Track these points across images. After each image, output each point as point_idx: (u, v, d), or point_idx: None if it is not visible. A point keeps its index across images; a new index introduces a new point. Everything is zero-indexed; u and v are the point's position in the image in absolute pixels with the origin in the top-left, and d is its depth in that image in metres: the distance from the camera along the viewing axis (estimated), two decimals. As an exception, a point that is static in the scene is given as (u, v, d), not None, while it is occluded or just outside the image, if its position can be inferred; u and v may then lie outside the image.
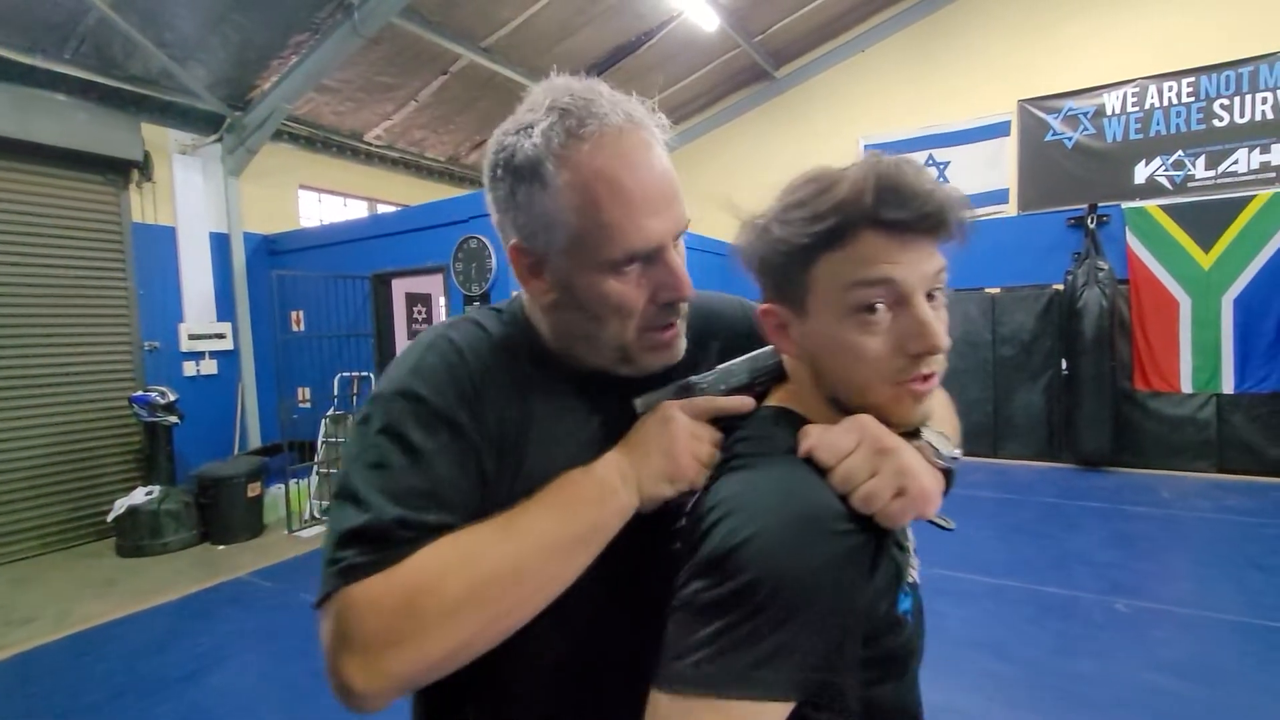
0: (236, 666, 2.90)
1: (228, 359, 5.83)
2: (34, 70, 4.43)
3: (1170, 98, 5.81)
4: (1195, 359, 5.65)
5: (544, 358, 0.69)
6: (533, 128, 0.61)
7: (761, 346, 0.70)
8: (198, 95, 5.16)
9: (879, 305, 0.56)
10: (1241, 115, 5.57)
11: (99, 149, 4.80)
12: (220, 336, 5.75)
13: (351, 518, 0.56)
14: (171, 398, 4.82)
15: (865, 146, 7.24)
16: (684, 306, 0.68)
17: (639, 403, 0.69)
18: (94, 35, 4.41)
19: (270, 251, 6.08)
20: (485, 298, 4.69)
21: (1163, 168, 5.88)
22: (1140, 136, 5.95)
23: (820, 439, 0.58)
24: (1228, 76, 5.60)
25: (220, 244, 5.79)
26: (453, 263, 4.80)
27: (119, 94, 4.89)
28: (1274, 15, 5.46)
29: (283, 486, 4.99)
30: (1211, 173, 5.70)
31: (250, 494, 4.84)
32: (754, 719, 0.50)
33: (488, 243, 4.62)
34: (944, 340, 0.57)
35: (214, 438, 5.62)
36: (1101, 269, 5.79)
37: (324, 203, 6.93)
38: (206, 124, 5.54)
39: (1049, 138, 6.32)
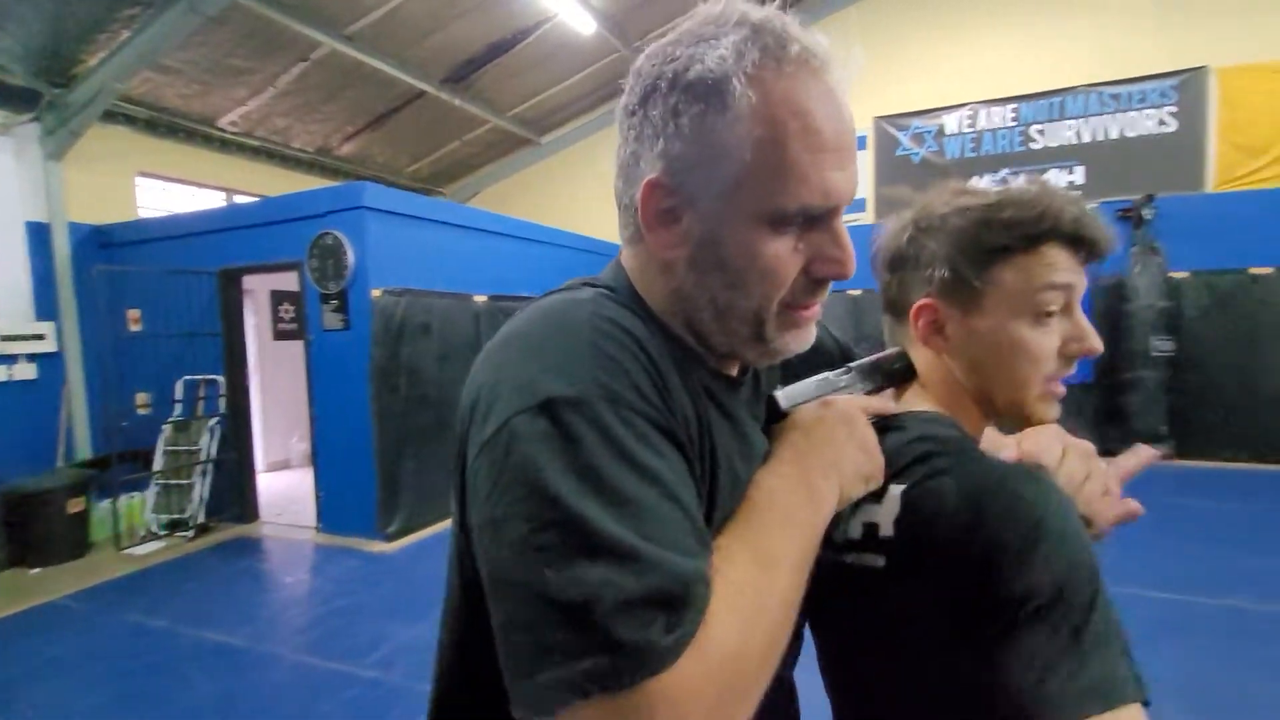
0: (22, 704, 2.62)
1: (50, 362, 5.23)
2: None
3: (997, 121, 6.50)
4: (1019, 355, 6.35)
5: (684, 353, 0.57)
6: (718, 39, 0.50)
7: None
8: (6, 69, 4.61)
9: (1055, 306, 0.63)
10: (1052, 140, 6.31)
11: (-126, 122, 4.18)
12: (39, 338, 5.15)
13: (619, 578, 0.40)
14: (-29, 406, 4.28)
15: (740, 154, 7.59)
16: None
17: (781, 397, 0.62)
18: None
19: (102, 244, 5.51)
20: (342, 296, 4.49)
21: (992, 183, 6.55)
22: (974, 154, 6.61)
23: (1032, 445, 0.61)
24: (1042, 105, 6.34)
25: (39, 234, 5.18)
26: (308, 259, 4.57)
27: (-99, 61, 4.30)
28: (1076, 54, 6.24)
29: (111, 499, 4.57)
30: (1031, 189, 6.43)
31: (71, 510, 4.38)
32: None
33: (344, 239, 4.43)
34: (1100, 345, 0.64)
35: (32, 450, 5.03)
36: (942, 273, 6.38)
37: (171, 192, 6.38)
38: (21, 101, 4.95)
39: (899, 152, 6.90)
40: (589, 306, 0.53)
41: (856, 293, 6.85)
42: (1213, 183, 6.05)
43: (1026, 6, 6.53)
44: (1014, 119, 6.44)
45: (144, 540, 4.63)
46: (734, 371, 0.62)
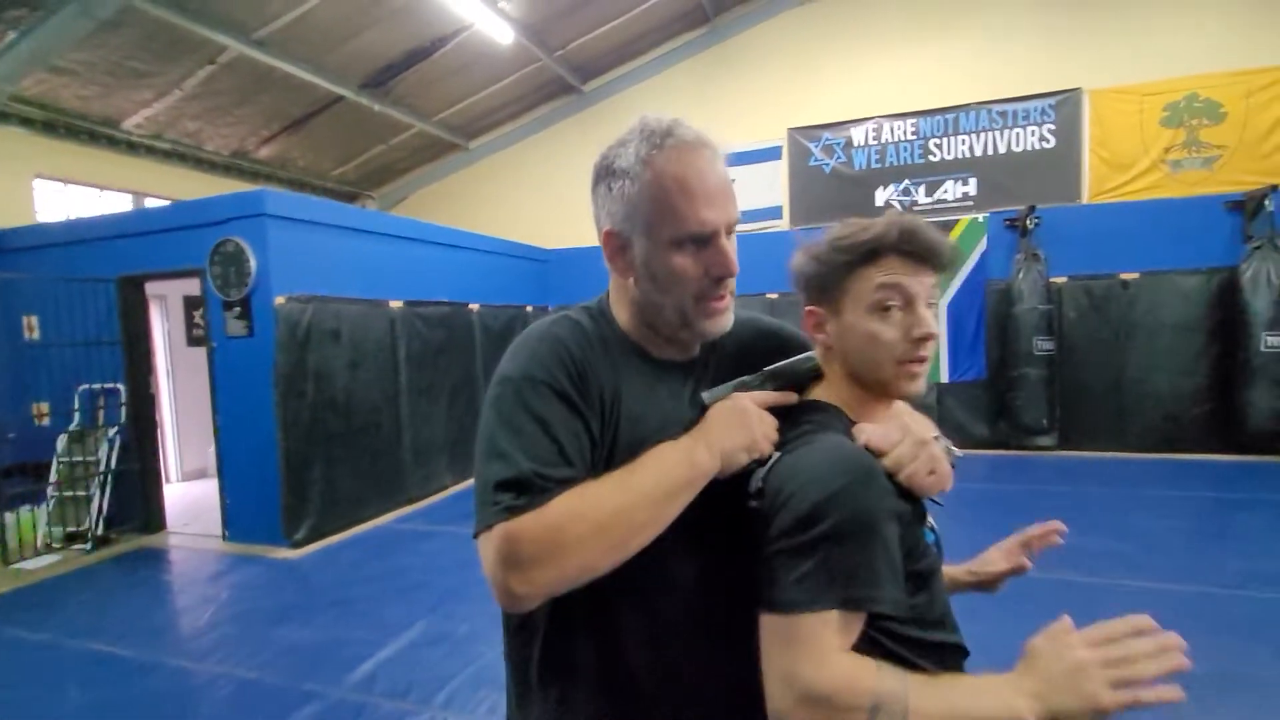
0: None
1: (-64, 372, 5.03)
2: None
3: (900, 134, 6.88)
4: (921, 355, 6.74)
5: (627, 347, 0.88)
6: (628, 144, 0.82)
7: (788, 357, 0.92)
8: (-120, 66, 4.43)
9: (893, 304, 0.79)
10: (949, 153, 6.73)
11: None
12: (-76, 346, 4.95)
13: (500, 471, 0.74)
14: None
15: (663, 162, 7.80)
16: (731, 283, 0.85)
17: (705, 396, 0.86)
18: None
19: (-4, 249, 5.32)
20: (245, 303, 4.48)
21: (895, 193, 6.95)
22: (879, 165, 6.98)
23: (873, 433, 0.79)
24: (939, 120, 6.75)
25: (-77, 240, 4.99)
26: (209, 266, 4.54)
27: None
28: (967, 73, 6.67)
29: (10, 512, 4.45)
30: (930, 199, 6.83)
31: (-44, 526, 4.24)
32: (849, 624, 0.70)
33: (246, 246, 4.42)
34: (936, 330, 0.80)
35: (-83, 464, 4.82)
36: (849, 278, 6.72)
37: (73, 195, 6.19)
38: (-101, 100, 4.77)
39: (812, 163, 7.22)
40: (547, 324, 0.87)
41: (773, 296, 7.14)
42: (1087, 195, 6.55)
43: (926, 28, 6.94)
44: (914, 133, 6.83)
45: (37, 554, 4.51)
46: (682, 357, 0.91)
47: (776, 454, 0.80)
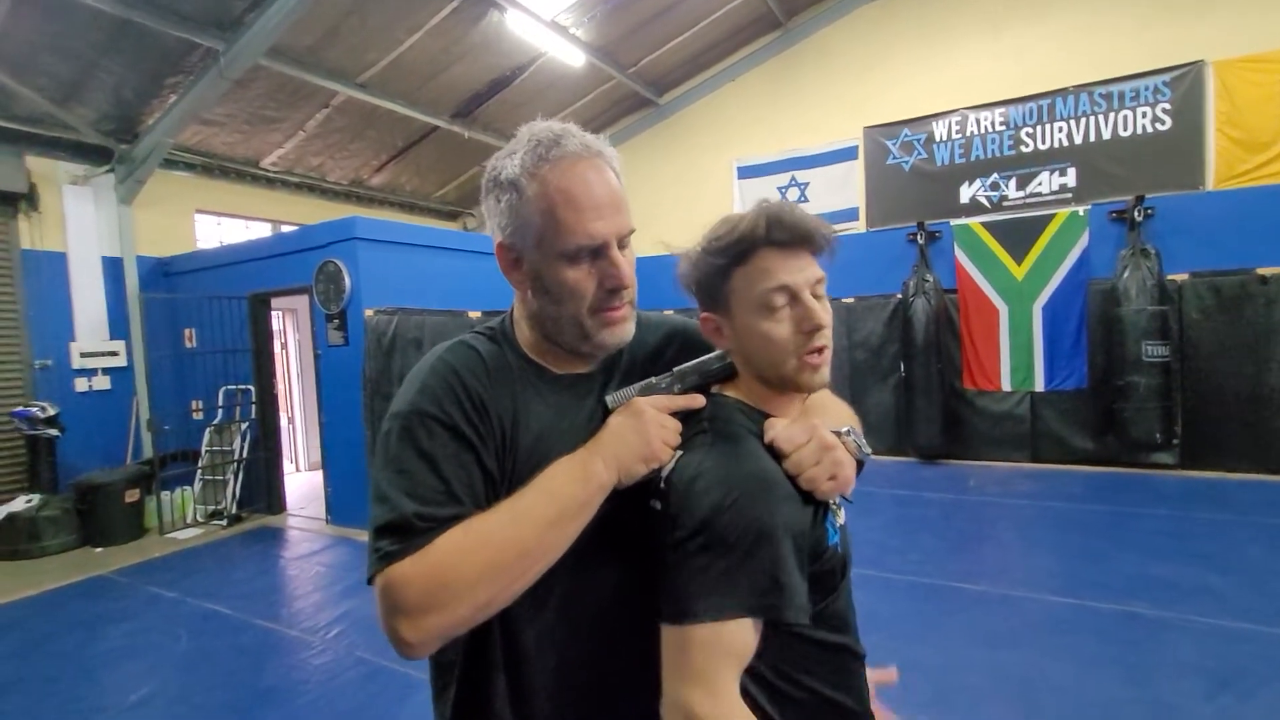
0: (58, 647, 3.31)
1: (121, 375, 6.19)
2: (-85, 113, 4.83)
3: (986, 126, 6.44)
4: (1013, 360, 6.26)
5: (527, 367, 0.85)
6: (515, 154, 0.79)
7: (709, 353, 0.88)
8: (83, 132, 5.56)
9: (779, 301, 0.76)
10: (1043, 142, 6.20)
11: (-19, 184, 5.19)
12: (113, 354, 6.11)
13: (381, 515, 0.72)
14: (52, 412, 5.20)
15: (738, 167, 7.82)
16: (628, 293, 0.82)
17: (609, 399, 0.83)
18: (-30, 82, 4.82)
19: (165, 273, 6.46)
20: (342, 315, 5.13)
21: (982, 188, 6.50)
22: (964, 160, 6.57)
23: (780, 433, 0.77)
24: (1031, 108, 6.24)
25: (113, 267, 6.16)
26: (315, 284, 5.25)
27: (3, 132, 5.29)
28: (1066, 54, 6.11)
29: (170, 491, 5.44)
30: (1021, 193, 6.33)
31: (128, 499, 5.23)
32: (742, 632, 0.68)
33: (343, 266, 5.07)
34: (825, 320, 0.77)
35: (108, 448, 5.98)
36: (928, 280, 6.37)
37: (225, 226, 7.33)
38: (98, 156, 5.94)
39: (890, 161, 6.93)
40: (441, 353, 0.83)
41: (850, 300, 6.95)
42: (1212, 180, 5.77)
43: (1015, 9, 6.44)
44: (1004, 123, 6.36)
45: (186, 527, 5.44)
46: (586, 369, 0.87)
47: (678, 453, 0.79)
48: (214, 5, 4.91)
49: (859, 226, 7.13)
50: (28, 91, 5.00)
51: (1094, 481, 5.50)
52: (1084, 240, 5.89)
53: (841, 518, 0.84)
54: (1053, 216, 6.04)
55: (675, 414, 0.81)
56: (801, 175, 7.42)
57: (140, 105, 5.65)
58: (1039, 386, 6.14)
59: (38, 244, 5.67)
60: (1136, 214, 5.63)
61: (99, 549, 5.03)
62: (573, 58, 6.62)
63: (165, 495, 5.51)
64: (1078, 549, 4.02)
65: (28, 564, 4.76)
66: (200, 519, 5.59)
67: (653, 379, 0.84)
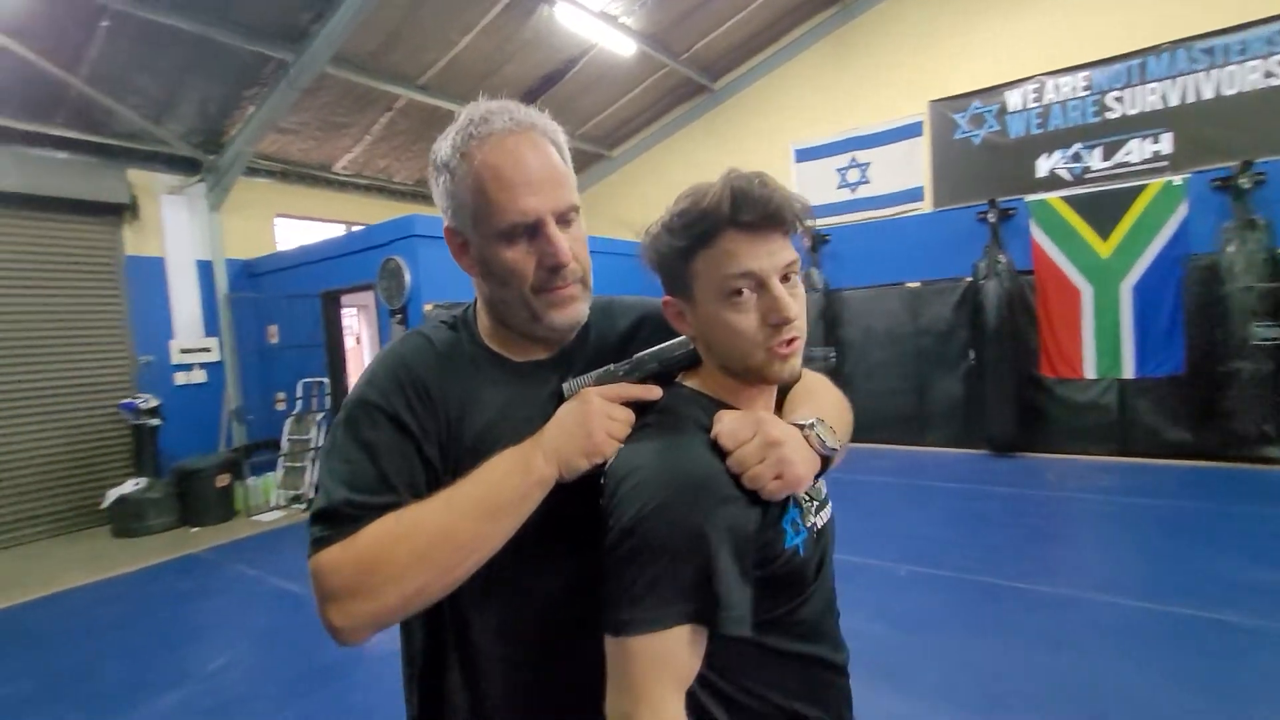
0: (154, 619, 3.65)
1: (215, 369, 6.72)
2: (34, 134, 5.38)
3: (1066, 92, 5.95)
4: (1097, 345, 5.78)
5: (483, 355, 0.83)
6: (449, 134, 0.78)
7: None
8: (174, 145, 6.04)
9: (744, 290, 0.69)
10: (1133, 106, 5.67)
11: (91, 195, 5.73)
12: (206, 350, 6.64)
13: (318, 502, 0.73)
14: (154, 403, 5.71)
15: (795, 150, 7.58)
16: (571, 271, 0.79)
17: (565, 387, 0.80)
18: (76, 103, 5.32)
19: (250, 274, 6.94)
20: (404, 310, 5.35)
21: (1062, 160, 6.02)
22: (1040, 131, 6.10)
23: (724, 428, 0.70)
24: (1118, 70, 5.71)
25: (205, 270, 6.68)
26: (378, 280, 5.50)
27: (107, 148, 5.82)
28: (1160, 8, 5.55)
29: (257, 477, 5.87)
30: (1107, 163, 5.82)
31: (219, 484, 5.67)
32: (678, 645, 0.64)
33: (403, 263, 5.28)
34: (794, 312, 0.70)
35: (204, 436, 6.51)
36: (1001, 261, 5.98)
37: (303, 228, 7.79)
38: (189, 167, 6.44)
39: (957, 135, 6.53)
40: (394, 344, 0.84)
41: (915, 285, 6.62)
42: (1337, 140, 5.11)
43: (1103, -38, 5.90)
44: (1086, 87, 5.85)
45: (270, 510, 5.85)
46: (547, 355, 0.85)
47: (620, 446, 0.74)
48: (281, 18, 5.20)
49: (924, 207, 6.77)
50: (125, 110, 5.47)
51: (1190, 477, 5.03)
52: (1181, 212, 5.35)
53: (819, 517, 0.78)
54: (1144, 188, 5.51)
55: (630, 404, 0.77)
56: (862, 155, 7.11)
57: (223, 117, 6.07)
58: (1128, 373, 5.65)
59: (139, 250, 6.21)
60: (1243, 181, 5.06)
61: (194, 529, 5.49)
62: (623, 47, 6.60)
63: (252, 480, 5.96)
64: (1165, 550, 3.69)
65: (134, 541, 5.26)
66: (282, 503, 6.00)
67: (611, 366, 0.80)
